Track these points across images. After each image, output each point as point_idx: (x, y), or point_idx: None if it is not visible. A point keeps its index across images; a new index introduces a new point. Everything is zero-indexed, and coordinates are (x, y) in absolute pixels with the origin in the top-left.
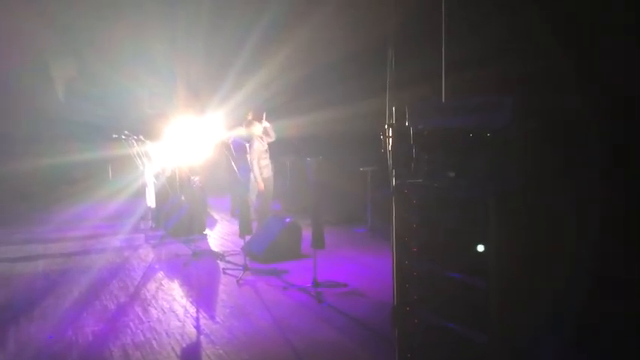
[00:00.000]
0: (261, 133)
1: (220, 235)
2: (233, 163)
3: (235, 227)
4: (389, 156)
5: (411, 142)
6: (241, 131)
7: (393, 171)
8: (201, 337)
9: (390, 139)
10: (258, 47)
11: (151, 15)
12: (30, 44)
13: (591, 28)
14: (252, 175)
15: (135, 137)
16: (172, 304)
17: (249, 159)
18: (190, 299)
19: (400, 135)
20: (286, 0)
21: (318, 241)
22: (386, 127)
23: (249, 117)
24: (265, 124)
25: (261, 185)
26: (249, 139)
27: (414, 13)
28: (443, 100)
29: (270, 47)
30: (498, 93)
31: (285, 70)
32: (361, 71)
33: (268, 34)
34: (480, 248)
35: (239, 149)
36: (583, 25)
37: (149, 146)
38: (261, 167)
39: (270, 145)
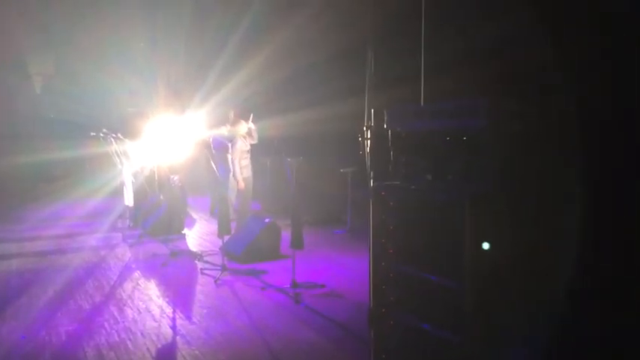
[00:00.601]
0: (245, 132)
1: (199, 235)
2: (212, 162)
3: (214, 227)
4: (367, 158)
5: (389, 144)
6: (225, 130)
7: (371, 173)
8: (177, 337)
9: (369, 141)
10: (239, 47)
11: (132, 13)
12: (8, 41)
13: (575, 28)
14: (231, 175)
15: (113, 135)
16: (149, 304)
17: (229, 158)
18: (167, 299)
19: (378, 137)
20: (267, 1)
21: (297, 242)
22: (364, 129)
23: (232, 115)
24: (251, 125)
25: (242, 184)
26: (232, 138)
27: (394, 14)
28: (421, 102)
29: (250, 48)
30: (476, 95)
31: (265, 70)
32: (341, 72)
33: (249, 34)
34: (486, 246)
35: (219, 148)
36: (565, 25)
37: (128, 145)
38: (242, 167)
39: (250, 145)
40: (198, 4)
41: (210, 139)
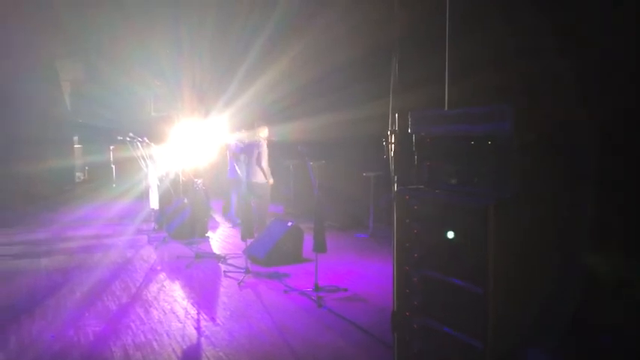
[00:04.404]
0: (267, 136)
1: (222, 238)
2: (236, 166)
3: (231, 228)
4: (391, 162)
5: (413, 148)
6: (249, 134)
7: (395, 177)
8: (202, 338)
9: (393, 146)
10: (263, 52)
11: (158, 19)
12: (39, 48)
13: (597, 39)
14: (254, 178)
15: (139, 139)
16: (174, 305)
17: (252, 161)
18: (191, 301)
19: (402, 141)
20: (291, 4)
21: (320, 246)
22: (388, 133)
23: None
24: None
25: (271, 181)
26: (257, 142)
27: (418, 17)
28: (446, 107)
29: (274, 52)
30: (501, 100)
31: (289, 74)
32: (365, 76)
33: (272, 38)
34: (450, 235)
35: (245, 152)
36: (588, 35)
37: (153, 149)
38: (266, 169)
39: (273, 148)
40: (223, 8)
41: (236, 144)
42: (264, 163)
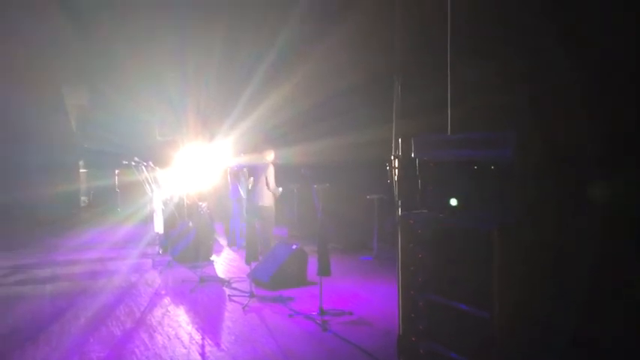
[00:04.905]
0: (273, 159)
1: (227, 261)
2: (241, 189)
3: (237, 252)
4: (395, 186)
5: (417, 173)
6: (254, 157)
7: (399, 201)
8: None
9: (396, 170)
10: (267, 76)
11: (163, 44)
12: (45, 73)
13: (603, 61)
14: (260, 201)
15: (144, 164)
16: (178, 330)
17: (259, 185)
18: (196, 326)
19: (406, 166)
20: (294, 30)
21: (325, 269)
22: (392, 157)
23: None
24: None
25: (277, 194)
26: (264, 165)
27: (420, 43)
28: (449, 131)
29: (278, 76)
30: (503, 123)
31: (293, 98)
32: (368, 100)
33: (276, 63)
34: (453, 202)
35: (252, 175)
36: (595, 56)
37: (158, 173)
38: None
39: (277, 172)
40: (227, 34)
41: (238, 165)
42: (273, 185)
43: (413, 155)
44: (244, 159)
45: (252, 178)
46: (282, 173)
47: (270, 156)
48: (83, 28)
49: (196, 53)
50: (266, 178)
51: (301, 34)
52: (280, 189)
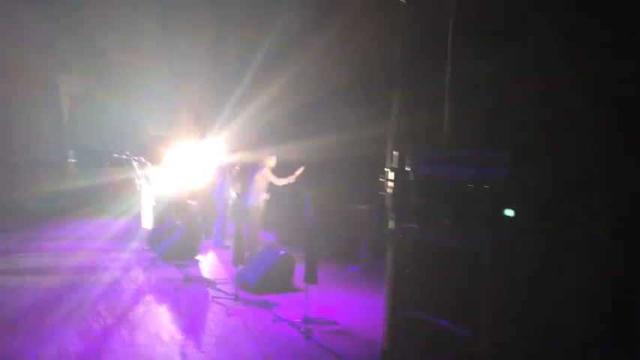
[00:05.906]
0: (274, 164)
1: (213, 262)
2: (232, 189)
3: (226, 254)
4: (387, 199)
5: (410, 187)
6: (249, 155)
7: (391, 214)
8: None
9: (390, 183)
10: (259, 74)
11: (155, 41)
12: (33, 71)
13: (602, 77)
14: (247, 201)
15: (135, 158)
16: (159, 329)
17: (250, 185)
18: (177, 325)
19: (400, 179)
20: (286, 28)
21: (311, 276)
22: (386, 170)
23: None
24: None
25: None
26: (261, 168)
27: (416, 51)
28: (445, 148)
29: (270, 75)
30: (498, 123)
31: (284, 98)
32: (358, 102)
33: (268, 62)
34: (510, 212)
35: (247, 174)
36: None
37: (149, 169)
38: (261, 194)
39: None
40: (220, 31)
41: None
42: (278, 179)
43: (407, 169)
44: (240, 156)
45: (239, 184)
46: (275, 174)
47: (271, 162)
48: (76, 23)
49: (187, 51)
50: (267, 180)
51: (291, 34)
52: (267, 195)
